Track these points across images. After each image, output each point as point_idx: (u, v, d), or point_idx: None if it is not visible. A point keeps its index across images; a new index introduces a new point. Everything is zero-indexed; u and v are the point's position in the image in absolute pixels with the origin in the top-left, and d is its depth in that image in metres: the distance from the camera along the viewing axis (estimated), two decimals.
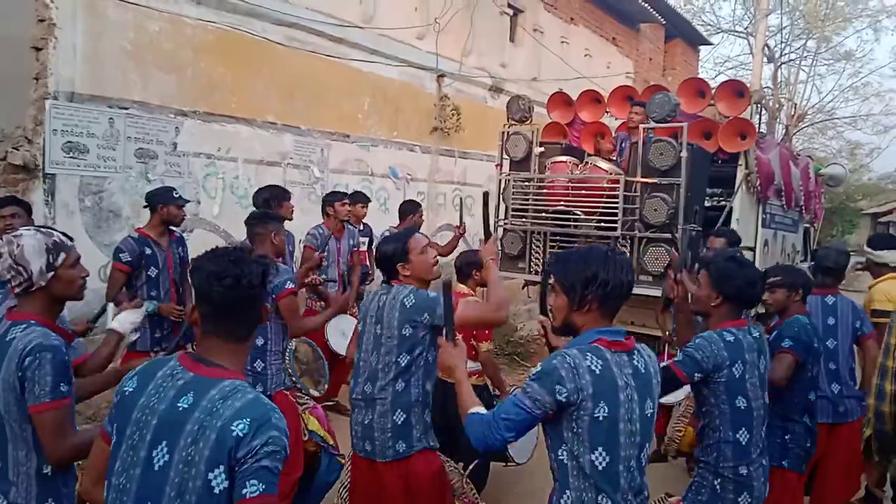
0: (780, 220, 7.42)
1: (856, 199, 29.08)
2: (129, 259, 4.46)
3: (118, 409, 1.74)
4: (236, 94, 6.81)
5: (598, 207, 5.67)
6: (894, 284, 4.51)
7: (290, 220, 5.02)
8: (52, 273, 2.14)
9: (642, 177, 5.55)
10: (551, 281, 2.20)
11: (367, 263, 6.55)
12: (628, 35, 15.36)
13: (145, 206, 4.66)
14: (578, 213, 5.77)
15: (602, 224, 5.67)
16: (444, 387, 3.09)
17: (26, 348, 2.02)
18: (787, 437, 3.29)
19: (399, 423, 2.79)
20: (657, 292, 5.13)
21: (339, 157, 8.06)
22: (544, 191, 6.04)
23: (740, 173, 6.20)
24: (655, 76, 16.73)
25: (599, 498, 1.99)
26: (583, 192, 5.74)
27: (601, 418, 1.96)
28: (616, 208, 5.54)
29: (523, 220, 6.21)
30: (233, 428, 1.57)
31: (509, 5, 10.99)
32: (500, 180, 6.49)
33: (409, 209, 6.61)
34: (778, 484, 3.15)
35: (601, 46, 14.00)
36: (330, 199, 6.11)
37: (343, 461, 3.49)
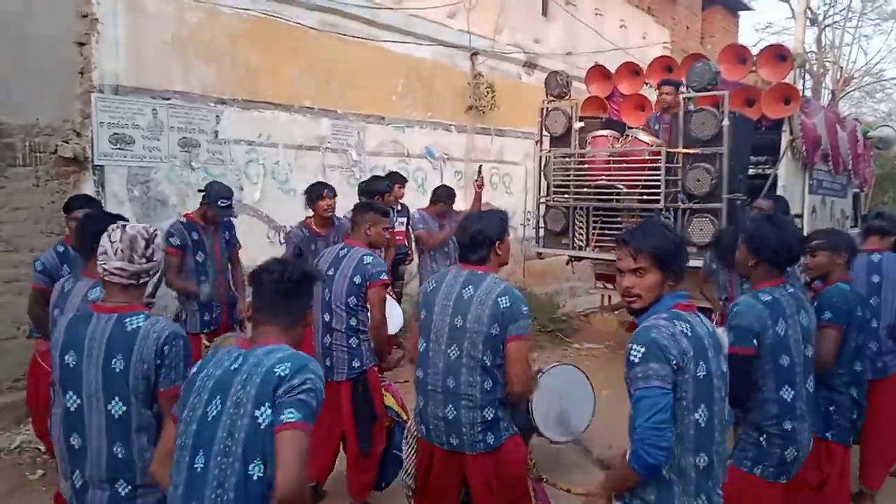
0: (827, 186, 7.31)
1: None
2: (179, 243, 4.60)
3: (184, 391, 1.98)
4: (273, 81, 6.92)
5: (641, 180, 5.64)
6: None
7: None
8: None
9: (684, 147, 5.52)
10: (638, 262, 2.11)
11: (406, 243, 6.60)
12: (664, 3, 15.05)
13: (200, 191, 4.78)
14: (621, 186, 5.76)
15: (645, 197, 5.65)
16: None
17: (161, 336, 2.22)
18: (831, 409, 3.25)
19: (489, 418, 2.76)
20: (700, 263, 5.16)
21: (376, 139, 8.13)
22: (586, 166, 6.04)
23: (785, 139, 6.14)
24: (693, 45, 16.37)
25: (697, 459, 2.05)
26: (624, 165, 5.70)
27: (702, 377, 2.02)
28: (658, 180, 5.53)
29: (565, 195, 6.20)
30: (275, 370, 1.82)
31: None
32: (541, 157, 6.47)
33: (443, 193, 6.17)
34: (824, 456, 3.15)
35: (636, 16, 13.74)
36: (311, 195, 5.17)
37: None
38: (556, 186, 6.28)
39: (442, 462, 2.91)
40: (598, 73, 7.20)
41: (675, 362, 1.96)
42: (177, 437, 1.91)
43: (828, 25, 23.02)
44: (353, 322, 3.73)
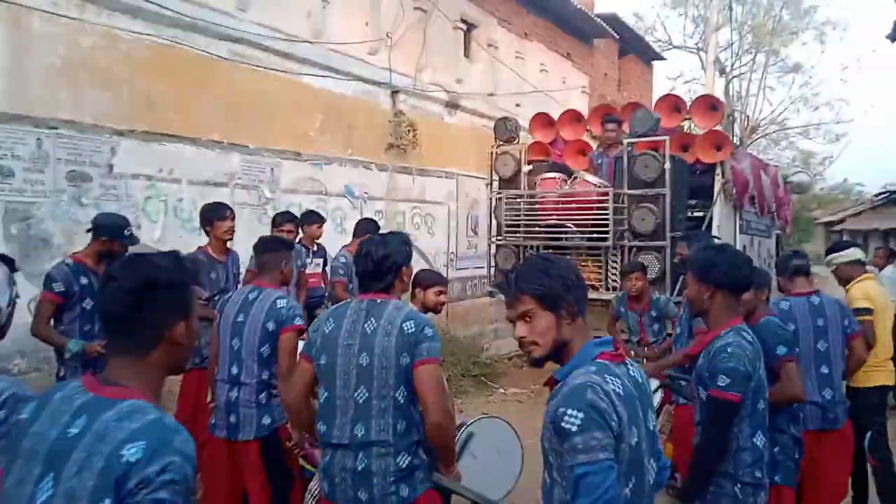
0: (755, 227, 7.72)
1: (811, 208, 29.74)
2: (63, 289, 3.96)
3: (7, 441, 1.50)
4: (179, 112, 6.45)
5: (589, 219, 5.94)
6: (871, 283, 4.48)
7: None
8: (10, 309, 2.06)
9: (628, 188, 5.89)
10: (523, 307, 1.84)
11: (322, 286, 6.21)
12: (582, 51, 15.40)
13: (89, 231, 4.17)
14: (570, 225, 6.09)
15: (594, 235, 5.93)
16: None
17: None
18: (775, 450, 3.04)
19: (403, 466, 2.49)
20: None
21: (291, 176, 7.73)
22: (536, 206, 6.36)
23: (718, 183, 6.50)
24: (611, 90, 16.81)
25: None
26: (573, 205, 6.04)
27: (634, 444, 1.71)
28: (606, 219, 5.78)
29: (516, 235, 6.51)
30: (123, 452, 1.32)
31: (462, 20, 10.85)
32: (491, 198, 6.87)
33: (367, 227, 5.96)
34: (774, 502, 2.92)
35: (556, 62, 13.98)
36: (208, 216, 4.84)
37: None
38: (507, 226, 6.58)
39: None
40: (542, 119, 7.69)
41: (615, 428, 1.67)
42: None
43: (735, 76, 24.31)
44: (264, 375, 3.36)
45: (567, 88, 13.71)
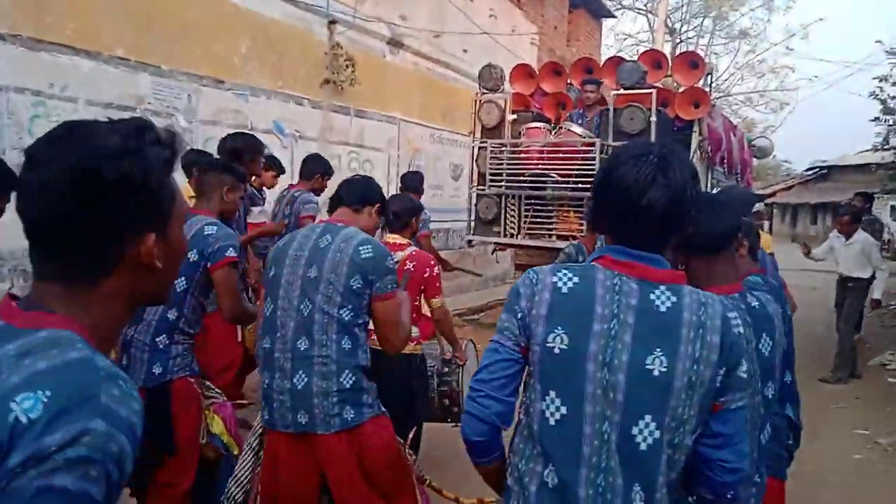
0: (723, 186, 7.71)
1: None
2: None
3: None
4: (75, 19, 5.51)
5: (573, 170, 5.97)
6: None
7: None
8: None
9: (612, 141, 5.96)
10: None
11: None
12: (533, 0, 14.73)
13: None
14: (554, 175, 6.08)
15: (579, 185, 5.92)
16: (376, 355, 2.65)
17: None
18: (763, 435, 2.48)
19: (347, 386, 2.39)
20: None
21: (212, 106, 6.86)
22: (521, 156, 6.33)
23: (695, 140, 6.54)
24: (560, 45, 16.25)
25: (546, 472, 1.42)
26: (559, 155, 6.07)
27: (557, 351, 1.41)
28: (592, 170, 5.70)
29: (499, 184, 6.50)
30: (14, 405, 0.78)
31: None
32: (474, 147, 6.74)
33: (317, 168, 5.09)
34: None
35: (506, 8, 13.28)
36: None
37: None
38: (490, 175, 6.55)
39: (290, 453, 2.45)
40: (523, 71, 7.55)
41: (520, 314, 1.47)
42: None
43: (681, 41, 24.09)
44: (170, 314, 2.71)
45: (517, 34, 13.06)
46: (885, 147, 13.32)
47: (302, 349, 2.41)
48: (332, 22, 8.43)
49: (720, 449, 1.40)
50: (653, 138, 5.66)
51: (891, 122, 12.80)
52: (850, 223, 7.04)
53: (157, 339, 2.71)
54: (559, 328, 1.40)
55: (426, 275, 3.54)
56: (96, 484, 0.78)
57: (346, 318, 2.41)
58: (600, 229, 1.74)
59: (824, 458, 4.68)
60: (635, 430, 1.36)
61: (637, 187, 1.40)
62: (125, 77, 5.97)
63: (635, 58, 8.12)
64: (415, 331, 3.35)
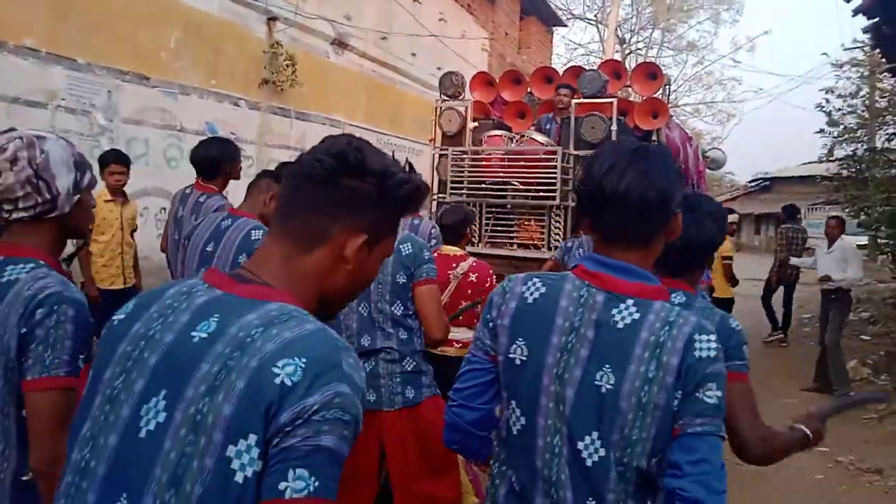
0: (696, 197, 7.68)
1: None
2: None
3: (101, 348, 1.05)
4: None
5: (535, 178, 5.97)
6: None
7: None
8: (78, 197, 1.56)
9: (574, 149, 5.96)
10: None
11: None
12: (484, 5, 14.52)
13: None
14: (516, 183, 6.04)
15: (541, 193, 5.94)
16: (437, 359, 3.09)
17: (38, 297, 1.41)
18: None
19: (409, 369, 2.73)
20: None
21: (135, 103, 6.35)
22: (482, 163, 6.33)
23: None
24: (511, 52, 16.09)
25: (514, 477, 1.45)
26: (521, 163, 6.06)
27: (518, 362, 1.43)
28: (554, 178, 5.82)
29: (459, 192, 6.46)
30: (276, 370, 0.89)
31: None
32: (434, 155, 6.73)
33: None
34: None
35: (456, 12, 13.02)
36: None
37: None
38: (451, 183, 6.52)
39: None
40: (482, 79, 7.50)
41: (490, 324, 1.48)
42: (77, 432, 0.99)
43: (631, 52, 24.27)
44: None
45: (466, 39, 12.79)
46: (830, 159, 13.51)
47: (366, 345, 2.70)
48: (272, 19, 8.00)
49: (678, 479, 1.27)
50: None
51: (836, 134, 12.97)
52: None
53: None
54: (520, 339, 1.42)
55: (488, 284, 3.79)
56: (347, 444, 0.91)
57: (399, 313, 2.70)
58: (585, 229, 1.69)
59: (784, 480, 4.48)
60: (581, 446, 1.34)
61: (613, 173, 1.37)
62: (35, 70, 5.43)
63: (589, 67, 8.13)
64: (465, 334, 3.70)
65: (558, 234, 6.09)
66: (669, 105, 6.96)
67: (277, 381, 0.87)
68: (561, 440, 1.35)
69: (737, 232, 33.01)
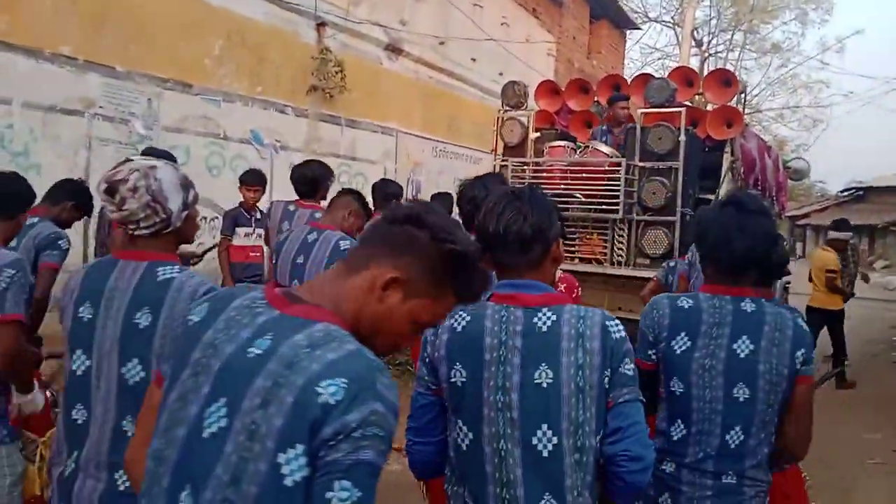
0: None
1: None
2: None
3: (177, 344, 1.21)
4: (10, 12, 4.97)
5: (598, 190, 5.80)
6: None
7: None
8: (187, 212, 1.84)
9: (639, 161, 5.72)
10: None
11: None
12: (551, 7, 14.06)
13: None
14: (579, 195, 5.88)
15: (603, 207, 5.79)
16: None
17: (199, 290, 1.71)
18: None
19: None
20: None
21: (177, 111, 6.28)
22: (544, 174, 6.17)
23: (726, 161, 6.24)
24: (580, 56, 15.55)
25: (465, 492, 1.61)
26: (583, 175, 5.88)
27: (459, 384, 1.60)
28: (616, 191, 5.65)
29: None
30: (320, 389, 1.03)
31: None
32: (495, 166, 6.56)
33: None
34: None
35: (520, 16, 12.62)
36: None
37: None
38: None
39: None
40: (548, 88, 7.30)
41: (427, 358, 1.66)
42: (159, 419, 1.15)
43: (711, 55, 23.20)
44: None
45: (531, 44, 12.37)
46: None
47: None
48: (321, 24, 7.84)
49: (619, 442, 1.51)
50: (681, 159, 5.57)
51: None
52: None
53: None
54: (457, 364, 1.60)
55: (574, 296, 3.76)
56: (383, 458, 1.05)
57: None
58: (486, 263, 1.65)
59: None
60: (535, 440, 1.51)
61: (492, 215, 1.62)
62: (71, 78, 5.40)
63: (662, 72, 7.99)
64: None
65: (622, 249, 5.91)
66: (749, 111, 6.45)
67: (321, 399, 1.00)
68: (509, 443, 1.53)
69: (803, 244, 30.70)
